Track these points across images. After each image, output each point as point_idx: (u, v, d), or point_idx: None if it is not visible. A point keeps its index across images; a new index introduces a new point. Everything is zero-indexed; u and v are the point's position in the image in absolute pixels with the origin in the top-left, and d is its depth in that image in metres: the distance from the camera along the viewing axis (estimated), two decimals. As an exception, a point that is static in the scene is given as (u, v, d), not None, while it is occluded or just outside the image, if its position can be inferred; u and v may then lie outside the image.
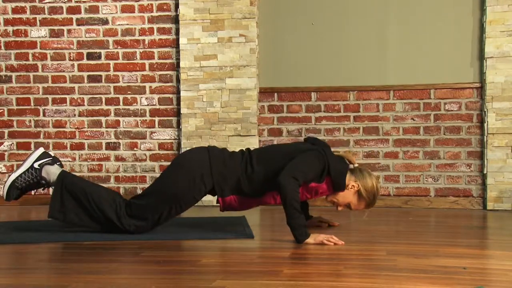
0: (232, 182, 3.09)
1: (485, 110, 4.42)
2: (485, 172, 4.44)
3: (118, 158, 4.87)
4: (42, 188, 3.28)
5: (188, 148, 4.50)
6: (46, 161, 3.21)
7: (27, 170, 3.18)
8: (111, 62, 4.86)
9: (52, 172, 3.18)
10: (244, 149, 3.24)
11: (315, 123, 4.68)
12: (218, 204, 3.19)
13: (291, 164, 2.98)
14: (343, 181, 3.10)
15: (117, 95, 4.86)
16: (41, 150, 3.25)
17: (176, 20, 4.78)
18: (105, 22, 4.86)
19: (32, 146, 4.90)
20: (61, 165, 3.27)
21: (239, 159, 3.13)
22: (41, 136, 4.91)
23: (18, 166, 3.23)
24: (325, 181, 3.09)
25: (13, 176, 3.17)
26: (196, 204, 4.59)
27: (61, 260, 2.64)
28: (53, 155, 3.27)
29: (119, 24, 4.86)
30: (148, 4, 4.82)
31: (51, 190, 3.25)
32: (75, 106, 4.89)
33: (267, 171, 3.06)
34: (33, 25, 4.90)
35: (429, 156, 4.58)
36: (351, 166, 3.19)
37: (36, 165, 3.19)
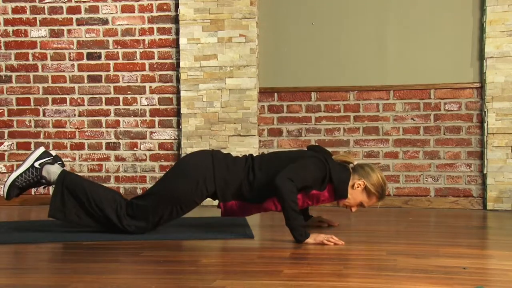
0: (234, 187, 3.09)
1: (485, 110, 4.42)
2: (485, 172, 4.44)
3: (118, 158, 4.87)
4: (43, 187, 3.28)
5: (189, 149, 4.52)
6: (47, 160, 3.21)
7: (28, 169, 3.18)
8: (111, 62, 4.87)
9: (52, 171, 3.18)
10: (247, 154, 3.24)
11: (315, 123, 4.68)
12: (220, 209, 3.19)
13: (289, 167, 2.98)
14: (346, 190, 3.09)
15: (117, 95, 4.86)
16: (41, 149, 3.25)
17: (176, 20, 4.78)
18: (105, 22, 4.86)
19: (32, 146, 4.90)
20: (63, 165, 3.26)
21: (242, 165, 3.13)
22: (41, 136, 4.91)
23: (19, 165, 3.23)
24: (327, 189, 3.08)
25: (14, 175, 3.17)
26: (196, 204, 4.62)
27: (61, 260, 2.64)
28: (54, 154, 3.27)
29: (119, 24, 4.86)
30: (148, 4, 4.82)
31: (51, 189, 3.25)
32: (75, 106, 4.89)
33: (268, 177, 3.05)
34: (33, 25, 4.90)
35: (429, 156, 4.58)
36: (350, 165, 3.19)
37: (36, 164, 3.19)
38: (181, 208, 3.10)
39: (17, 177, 3.17)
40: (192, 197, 3.08)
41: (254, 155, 3.26)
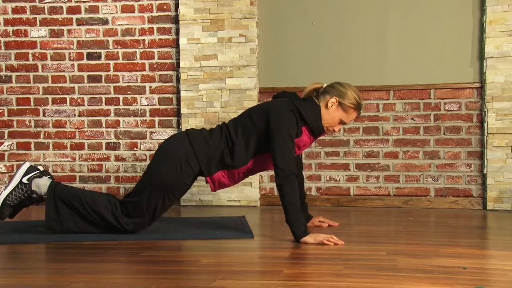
0: (216, 158, 3.09)
1: (485, 110, 4.42)
2: (485, 172, 4.44)
3: (118, 158, 4.87)
4: (36, 203, 3.25)
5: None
6: (34, 174, 3.19)
7: (17, 186, 3.15)
8: (111, 62, 4.87)
9: (42, 184, 3.16)
10: (221, 123, 3.24)
11: (315, 123, 4.67)
12: (209, 186, 3.19)
13: (277, 155, 2.97)
14: (320, 125, 3.12)
15: (117, 95, 4.86)
16: (27, 164, 3.22)
17: (176, 20, 4.78)
18: (105, 22, 4.86)
19: (32, 146, 4.90)
20: (52, 178, 3.24)
21: (218, 135, 3.14)
22: (41, 136, 4.91)
23: (7, 184, 3.20)
24: (303, 132, 3.10)
25: (4, 194, 3.14)
26: (196, 204, 4.62)
27: (61, 260, 2.64)
28: (41, 168, 3.25)
29: (119, 24, 4.86)
30: (148, 4, 4.82)
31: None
32: (75, 106, 4.89)
33: (247, 138, 3.09)
34: (33, 25, 4.90)
35: (429, 156, 4.58)
36: (321, 89, 3.19)
37: (24, 180, 3.16)
38: (172, 194, 3.10)
39: (7, 195, 3.14)
40: (180, 180, 3.07)
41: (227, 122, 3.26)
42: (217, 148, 3.10)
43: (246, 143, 3.09)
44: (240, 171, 3.14)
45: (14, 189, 3.15)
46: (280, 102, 3.14)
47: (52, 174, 4.72)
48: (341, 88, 3.13)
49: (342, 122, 3.18)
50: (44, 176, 3.21)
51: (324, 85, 3.21)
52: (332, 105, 3.12)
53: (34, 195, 3.17)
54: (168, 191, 3.08)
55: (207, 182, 3.16)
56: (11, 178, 3.21)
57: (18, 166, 3.26)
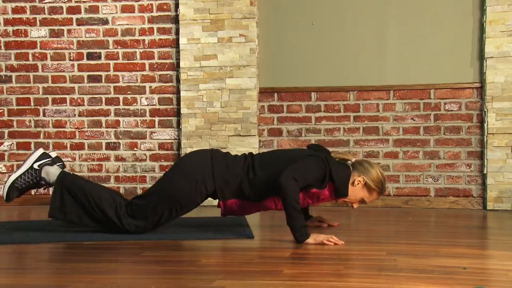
0: (233, 186, 3.09)
1: (485, 110, 4.42)
2: (485, 172, 4.44)
3: (118, 158, 4.87)
4: (43, 188, 3.28)
5: (189, 149, 4.53)
6: (46, 161, 3.21)
7: (27, 171, 3.18)
8: (111, 62, 4.87)
9: (51, 172, 3.18)
10: (247, 153, 3.24)
11: (315, 123, 4.68)
12: (220, 208, 3.19)
13: (291, 167, 2.98)
14: (346, 188, 3.10)
15: (117, 95, 4.86)
16: (40, 150, 3.25)
17: (176, 20, 4.78)
18: (105, 22, 4.86)
19: (32, 146, 4.90)
20: (63, 166, 3.26)
21: (241, 163, 3.13)
22: (41, 136, 4.91)
23: (18, 167, 3.23)
24: (327, 187, 3.08)
25: (13, 177, 3.17)
26: (196, 204, 4.62)
27: (61, 260, 2.64)
28: (53, 156, 3.27)
29: (119, 24, 4.86)
30: (148, 4, 4.82)
31: (51, 189, 3.25)
32: (75, 106, 4.89)
33: (269, 176, 3.05)
34: (33, 25, 4.90)
35: (429, 156, 4.58)
36: (349, 162, 3.19)
37: (35, 165, 3.19)
38: (181, 207, 3.10)
39: (16, 178, 3.17)
40: (191, 196, 3.07)
41: (254, 153, 3.26)
42: (237, 175, 3.09)
43: (267, 180, 3.06)
44: (253, 205, 3.14)
45: (24, 173, 3.18)
46: (315, 154, 3.13)
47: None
48: (370, 169, 3.12)
49: (362, 201, 3.19)
50: (55, 165, 3.22)
51: (353, 160, 3.20)
52: (359, 184, 3.11)
53: (43, 182, 3.20)
54: (177, 205, 3.08)
55: (219, 206, 3.16)
56: (23, 161, 3.23)
57: (31, 152, 3.28)
